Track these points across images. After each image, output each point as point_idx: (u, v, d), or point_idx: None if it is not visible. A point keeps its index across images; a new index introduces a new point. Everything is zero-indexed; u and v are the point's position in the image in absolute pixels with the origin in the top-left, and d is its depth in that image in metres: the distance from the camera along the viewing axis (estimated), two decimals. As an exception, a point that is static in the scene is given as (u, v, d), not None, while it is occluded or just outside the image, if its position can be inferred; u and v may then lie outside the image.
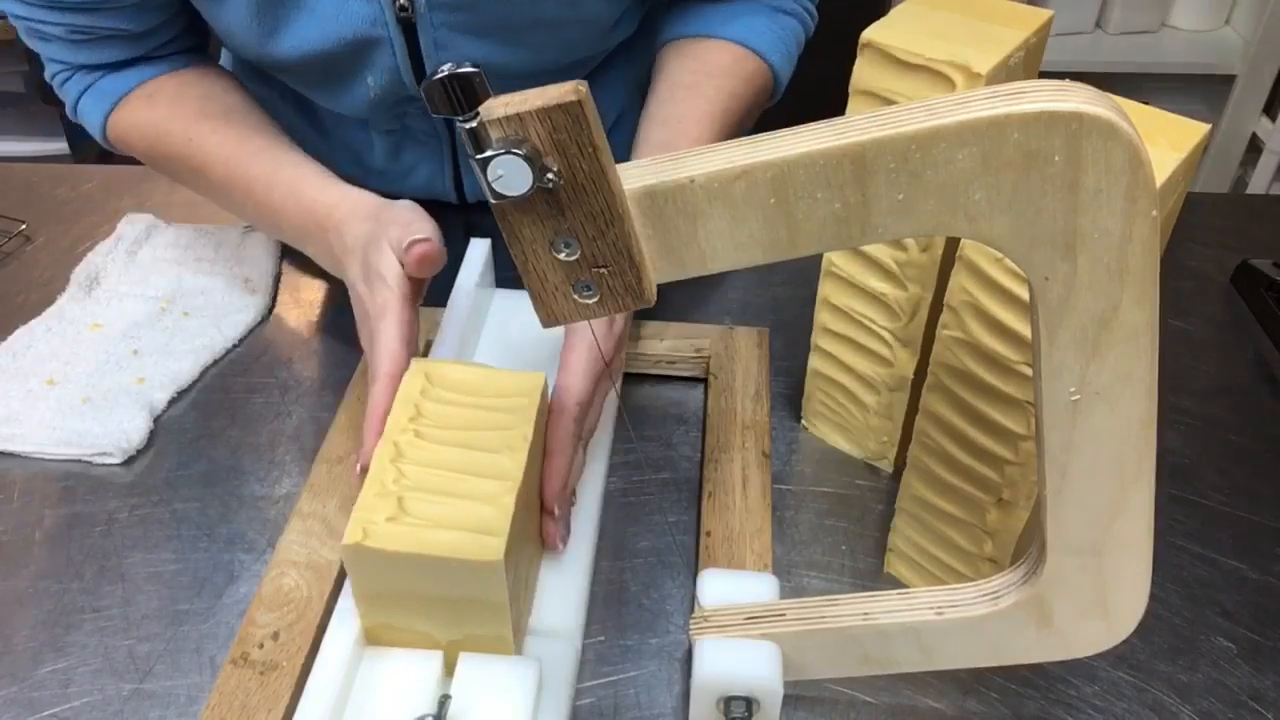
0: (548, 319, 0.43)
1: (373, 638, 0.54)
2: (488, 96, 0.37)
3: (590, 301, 0.42)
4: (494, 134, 0.38)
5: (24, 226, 0.89)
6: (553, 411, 0.59)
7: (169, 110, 0.77)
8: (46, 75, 0.80)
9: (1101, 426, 0.40)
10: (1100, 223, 0.36)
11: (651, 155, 0.67)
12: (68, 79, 0.78)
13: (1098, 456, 0.41)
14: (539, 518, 0.59)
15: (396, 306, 0.60)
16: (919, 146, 0.36)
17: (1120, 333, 0.38)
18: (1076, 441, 0.41)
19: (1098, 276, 0.37)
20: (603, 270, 0.41)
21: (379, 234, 0.62)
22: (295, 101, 0.89)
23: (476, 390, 0.57)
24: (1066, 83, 0.36)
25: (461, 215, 0.89)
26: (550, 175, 0.38)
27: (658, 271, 0.42)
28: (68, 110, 0.81)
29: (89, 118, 0.79)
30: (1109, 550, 0.44)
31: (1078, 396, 0.40)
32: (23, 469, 0.69)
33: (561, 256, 0.41)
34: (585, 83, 0.38)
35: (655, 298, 0.42)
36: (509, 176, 0.38)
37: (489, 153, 0.37)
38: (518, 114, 0.37)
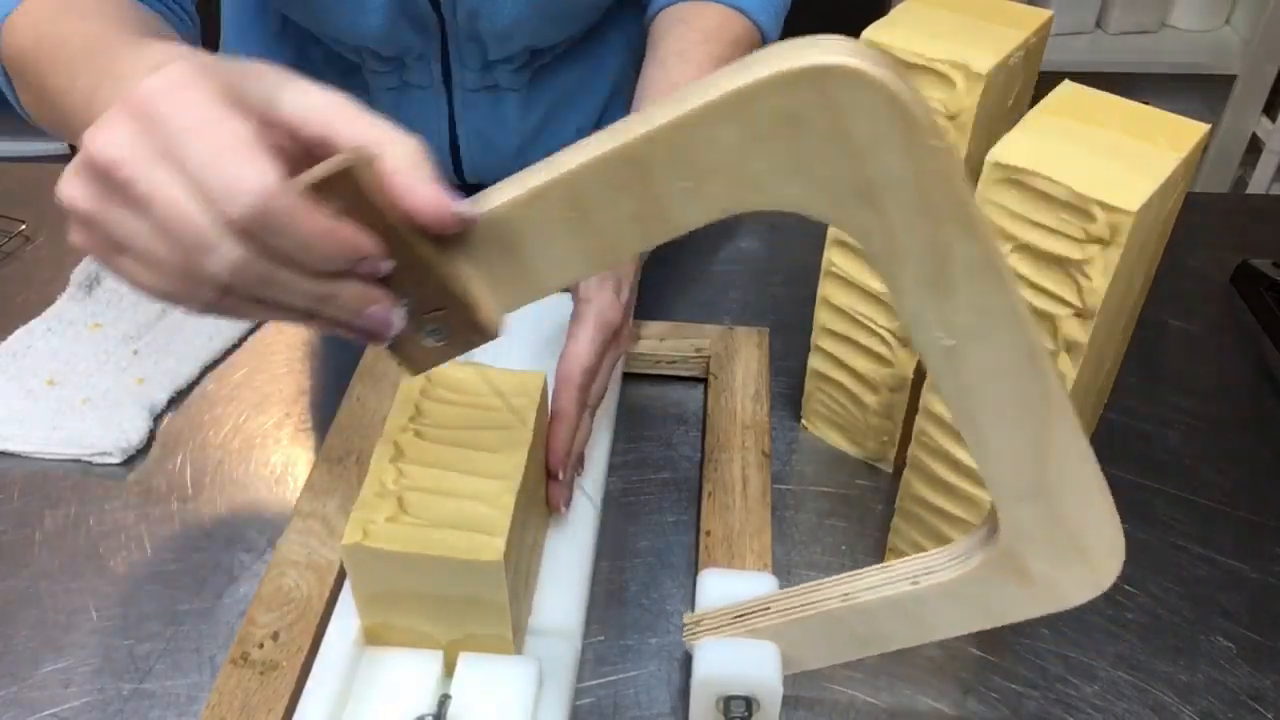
0: (413, 369, 0.45)
1: (372, 637, 0.54)
2: None
3: (442, 344, 0.44)
4: None
5: (24, 226, 0.89)
6: (559, 378, 0.60)
7: (67, 17, 0.58)
8: None
9: (986, 366, 0.40)
10: (888, 168, 0.35)
11: None
12: None
13: (996, 397, 0.40)
14: (540, 515, 0.60)
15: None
16: (680, 134, 0.36)
17: (960, 268, 0.37)
18: (968, 386, 0.40)
19: (910, 219, 0.36)
20: (440, 313, 0.42)
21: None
22: (298, 69, 0.89)
23: (476, 390, 0.57)
24: (812, 38, 0.35)
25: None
26: None
27: (498, 302, 0.42)
28: None
29: None
30: (1057, 491, 0.43)
31: (951, 342, 0.39)
32: (23, 469, 0.69)
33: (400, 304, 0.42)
34: (366, 146, 0.38)
35: (499, 330, 0.43)
36: None
37: None
38: (308, 187, 0.37)
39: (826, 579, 0.51)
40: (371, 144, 0.39)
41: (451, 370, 0.58)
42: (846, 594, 0.49)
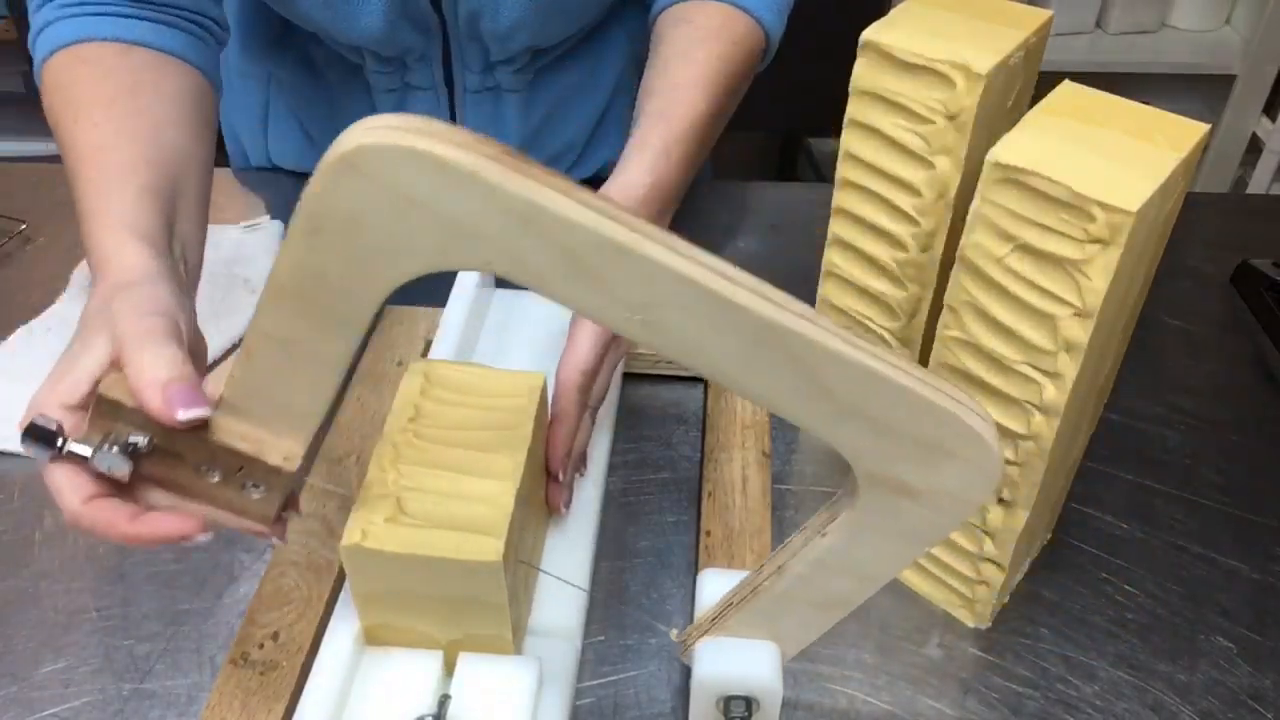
0: (262, 521, 0.48)
1: (372, 637, 0.54)
2: (61, 432, 0.46)
3: (264, 493, 0.47)
4: (79, 449, 0.45)
5: (24, 226, 0.89)
6: (559, 380, 0.60)
7: (91, 78, 0.66)
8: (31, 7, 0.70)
9: (686, 326, 0.40)
10: (467, 211, 0.38)
11: (649, 124, 0.68)
12: (41, 6, 0.69)
13: (718, 348, 0.40)
14: (540, 515, 0.60)
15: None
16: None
17: (593, 260, 0.38)
18: (687, 349, 0.40)
19: (511, 241, 0.38)
20: (241, 469, 0.46)
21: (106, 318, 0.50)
22: (302, 70, 0.89)
23: (475, 391, 0.57)
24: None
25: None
26: (133, 443, 0.45)
27: (291, 438, 0.46)
28: (29, 39, 0.70)
29: (36, 53, 0.69)
30: (849, 401, 0.41)
31: (638, 316, 0.40)
32: (23, 469, 0.69)
33: (214, 479, 0.46)
34: (120, 372, 0.46)
35: (298, 463, 0.46)
36: (114, 462, 0.45)
37: (91, 460, 0.45)
38: (90, 420, 0.45)
39: (766, 560, 0.50)
40: (125, 363, 0.46)
41: (451, 371, 0.58)
42: (781, 566, 0.49)
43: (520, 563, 0.54)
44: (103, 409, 0.45)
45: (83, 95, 0.65)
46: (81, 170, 0.60)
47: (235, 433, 0.46)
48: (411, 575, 0.50)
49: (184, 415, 0.44)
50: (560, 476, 0.60)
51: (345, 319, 0.42)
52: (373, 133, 0.36)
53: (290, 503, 0.49)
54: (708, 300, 0.39)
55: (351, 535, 0.49)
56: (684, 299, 0.39)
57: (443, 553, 0.49)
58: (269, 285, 0.42)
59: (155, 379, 0.45)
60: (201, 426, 0.45)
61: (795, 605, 0.50)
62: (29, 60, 0.74)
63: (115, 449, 0.44)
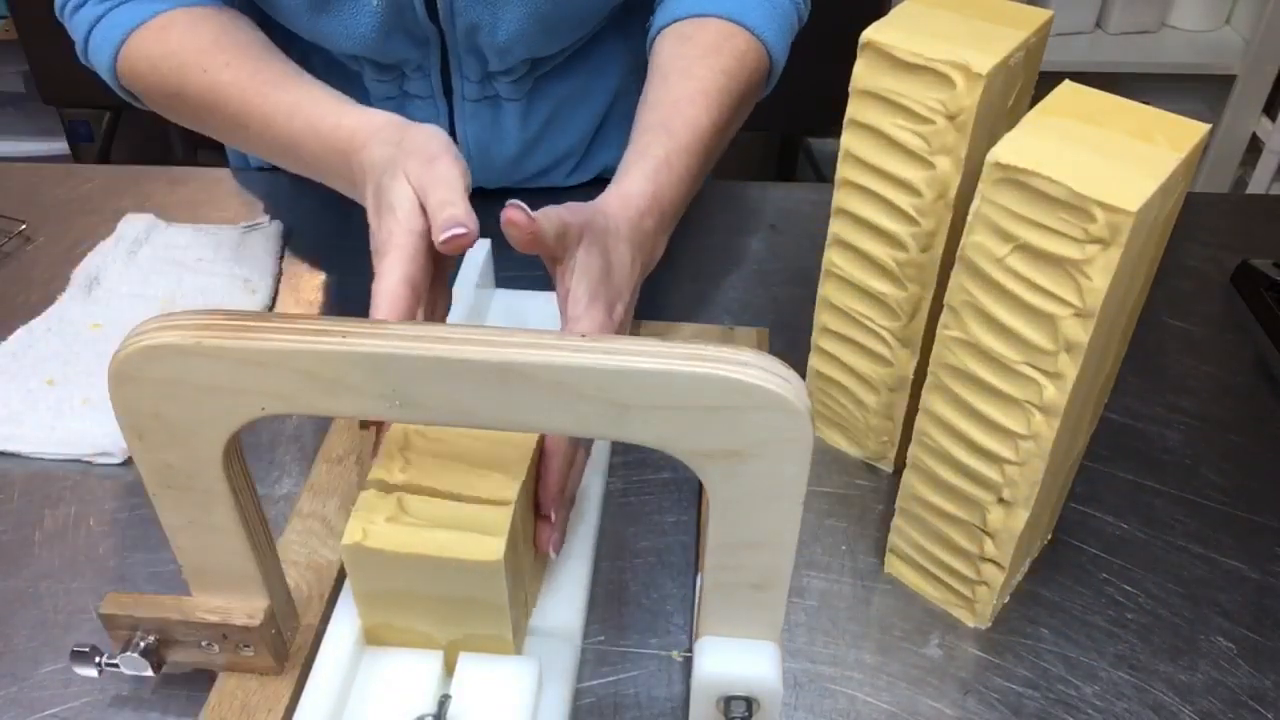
0: (266, 670, 0.54)
1: (373, 637, 0.54)
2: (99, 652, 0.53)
3: (252, 651, 0.53)
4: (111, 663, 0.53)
5: (24, 226, 0.89)
6: None
7: (182, 42, 0.75)
8: (56, 7, 0.79)
9: (435, 394, 0.44)
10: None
11: (651, 136, 0.68)
12: (80, 6, 0.77)
13: (473, 401, 0.44)
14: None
15: (403, 242, 0.55)
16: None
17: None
18: (452, 412, 0.44)
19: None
20: (225, 636, 0.52)
21: (397, 162, 0.59)
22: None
23: None
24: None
25: (480, 197, 0.89)
26: (146, 642, 0.53)
27: (244, 607, 0.52)
28: (77, 48, 0.79)
29: (99, 53, 0.77)
30: (618, 402, 0.43)
31: (396, 401, 0.44)
32: (23, 469, 0.69)
33: (215, 651, 0.53)
34: (115, 594, 0.53)
35: (259, 620, 0.52)
36: (135, 664, 0.53)
37: (121, 669, 0.53)
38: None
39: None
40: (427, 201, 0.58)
41: None
42: (701, 561, 0.52)
43: (520, 567, 0.54)
44: (115, 623, 0.53)
45: (191, 50, 0.75)
46: (250, 98, 0.71)
47: (206, 608, 0.52)
48: (412, 574, 0.50)
49: (446, 235, 0.54)
50: (552, 517, 0.56)
51: (208, 489, 0.47)
52: (127, 344, 0.43)
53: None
54: (437, 365, 0.42)
55: (352, 534, 0.50)
56: (416, 372, 0.43)
57: (443, 552, 0.49)
58: (146, 485, 0.47)
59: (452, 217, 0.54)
60: (182, 612, 0.52)
61: (738, 591, 0.50)
62: (29, 60, 0.75)
63: (135, 653, 0.52)
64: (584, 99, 0.92)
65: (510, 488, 0.52)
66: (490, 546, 0.49)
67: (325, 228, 0.90)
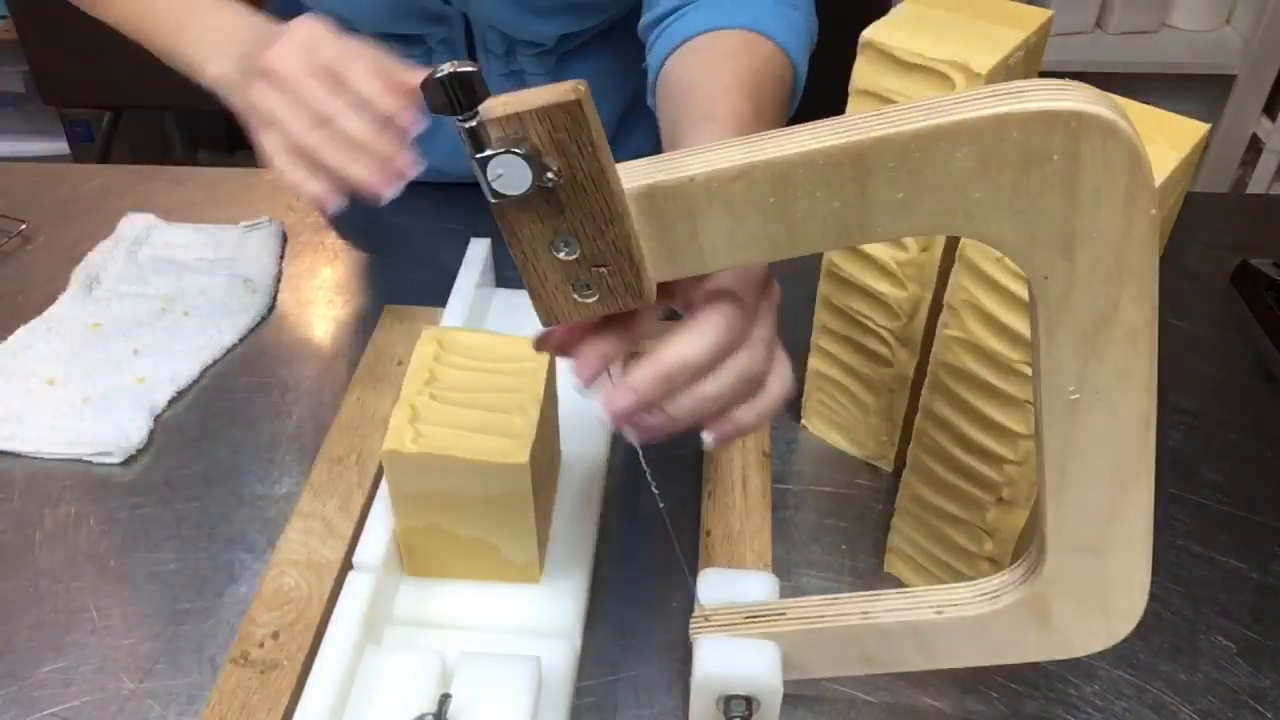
0: (547, 318, 0.43)
1: (407, 550, 0.59)
2: (487, 95, 0.37)
3: (590, 301, 0.42)
4: (493, 133, 0.38)
5: (24, 226, 0.89)
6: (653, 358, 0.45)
7: None
8: None
9: (1101, 425, 0.40)
10: (1099, 222, 0.36)
11: (693, 130, 0.62)
12: None
13: (1098, 456, 0.41)
14: (551, 477, 0.62)
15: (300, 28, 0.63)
16: (918, 145, 0.36)
17: (1119, 331, 0.38)
18: (1076, 441, 0.41)
19: (1096, 275, 0.37)
20: (603, 270, 0.41)
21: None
22: None
23: (487, 355, 0.60)
24: (1066, 81, 0.36)
25: (480, 196, 0.88)
26: (550, 174, 0.38)
27: (657, 270, 0.42)
28: None
29: None
30: (1109, 549, 0.44)
31: (1077, 395, 0.40)
32: (23, 469, 0.69)
33: (561, 256, 0.41)
34: (585, 81, 0.38)
35: (655, 296, 0.42)
36: (508, 176, 0.38)
37: (488, 152, 0.38)
38: (517, 113, 0.37)
39: (846, 594, 0.51)
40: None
41: (462, 336, 0.61)
42: (866, 612, 0.50)
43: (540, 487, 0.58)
44: (550, 117, 0.38)
45: None
46: (151, 13, 0.72)
47: (641, 232, 0.41)
48: (446, 477, 0.55)
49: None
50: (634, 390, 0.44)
51: (866, 224, 0.39)
52: (1115, 113, 0.35)
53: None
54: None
55: (392, 441, 0.54)
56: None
57: (476, 455, 0.54)
58: (869, 137, 0.36)
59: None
60: (625, 202, 0.40)
61: (849, 646, 0.51)
62: (29, 60, 0.75)
63: (525, 160, 0.38)
64: (611, 79, 0.91)
65: (533, 406, 0.56)
66: (519, 448, 0.54)
67: (325, 228, 0.90)
